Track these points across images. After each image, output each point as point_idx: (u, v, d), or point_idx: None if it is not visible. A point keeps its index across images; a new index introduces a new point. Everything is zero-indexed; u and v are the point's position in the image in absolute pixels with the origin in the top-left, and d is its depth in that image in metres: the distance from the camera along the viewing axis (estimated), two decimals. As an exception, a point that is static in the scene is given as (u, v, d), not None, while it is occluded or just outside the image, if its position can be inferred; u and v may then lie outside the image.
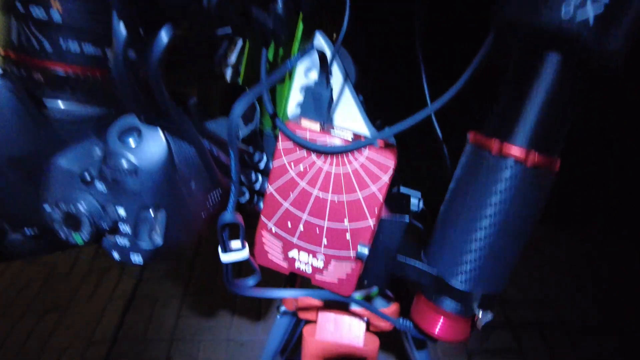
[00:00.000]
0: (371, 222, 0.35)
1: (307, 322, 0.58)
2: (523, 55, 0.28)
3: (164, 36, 0.21)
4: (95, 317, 1.40)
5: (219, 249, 0.34)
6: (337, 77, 0.47)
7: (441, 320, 0.34)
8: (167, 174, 0.27)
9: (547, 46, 0.27)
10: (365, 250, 0.35)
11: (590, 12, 0.24)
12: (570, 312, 1.54)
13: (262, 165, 0.39)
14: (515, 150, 0.28)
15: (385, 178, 0.34)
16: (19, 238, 0.28)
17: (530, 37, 0.27)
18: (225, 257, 0.34)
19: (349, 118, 0.49)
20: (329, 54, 0.37)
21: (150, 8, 0.21)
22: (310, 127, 0.35)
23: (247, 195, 0.38)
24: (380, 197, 0.34)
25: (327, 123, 0.37)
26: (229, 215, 0.31)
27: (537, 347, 1.37)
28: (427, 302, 0.34)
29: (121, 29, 0.20)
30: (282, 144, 0.35)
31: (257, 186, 0.39)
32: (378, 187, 0.34)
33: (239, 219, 0.31)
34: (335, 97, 0.46)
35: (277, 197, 0.37)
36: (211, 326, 1.38)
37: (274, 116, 0.35)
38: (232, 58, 0.47)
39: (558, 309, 1.54)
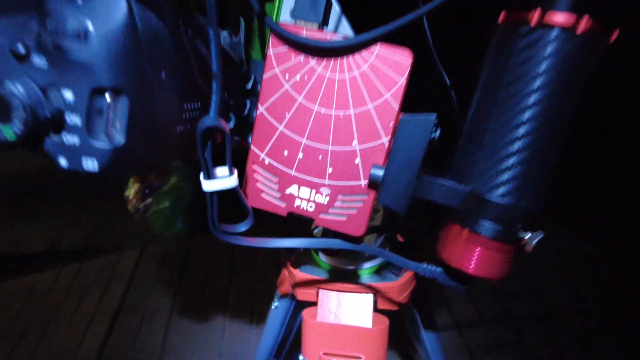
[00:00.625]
0: (385, 139, 0.29)
1: (307, 306, 0.50)
2: None
3: None
4: (78, 335, 1.30)
5: (201, 175, 0.27)
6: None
7: (478, 250, 0.27)
8: (128, 44, 0.20)
9: None
10: (379, 172, 0.28)
11: None
12: (570, 304, 1.49)
13: (249, 85, 0.33)
14: (561, 17, 0.23)
15: (402, 81, 0.28)
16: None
17: None
18: (209, 185, 0.27)
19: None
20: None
21: None
22: (305, 27, 0.30)
23: (232, 122, 0.32)
24: (396, 106, 0.28)
25: (324, 26, 0.31)
26: (211, 118, 0.24)
27: (540, 341, 1.31)
28: (460, 231, 0.28)
29: None
30: (273, 49, 0.29)
31: (245, 112, 0.33)
32: (392, 93, 0.28)
33: (224, 125, 0.25)
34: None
35: (270, 118, 0.31)
36: (202, 340, 1.28)
37: (261, 14, 0.29)
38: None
39: (558, 301, 1.49)
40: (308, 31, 0.29)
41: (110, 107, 0.21)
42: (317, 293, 0.47)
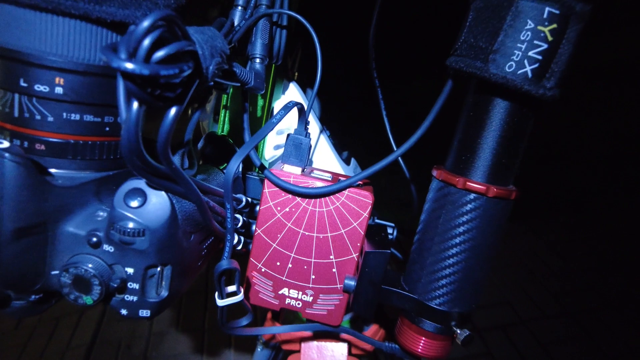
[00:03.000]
0: (354, 255, 0.39)
1: (289, 352, 0.59)
2: (476, 101, 0.33)
3: (171, 114, 0.24)
4: (51, 372, 1.30)
5: (216, 295, 0.35)
6: (312, 123, 0.51)
7: (423, 340, 0.37)
8: (172, 233, 0.28)
9: (496, 94, 0.32)
10: (352, 282, 0.38)
11: (527, 67, 0.29)
12: (529, 309, 1.63)
13: (247, 209, 0.41)
14: (477, 185, 0.33)
15: (365, 214, 0.38)
16: (22, 304, 0.28)
17: (481, 86, 0.32)
18: (222, 302, 0.36)
19: (324, 159, 0.52)
20: (305, 104, 0.41)
21: (159, 87, 0.24)
22: (292, 172, 0.38)
23: (235, 239, 0.40)
24: (362, 232, 0.38)
25: (307, 167, 0.40)
26: (226, 262, 0.33)
27: (505, 349, 1.44)
28: (410, 325, 0.38)
29: (134, 108, 0.22)
30: (268, 189, 0.38)
31: (244, 229, 0.41)
32: (359, 223, 0.38)
33: (235, 264, 0.33)
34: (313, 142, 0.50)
35: (265, 238, 0.40)
36: (181, 368, 1.33)
37: (261, 167, 0.37)
38: (208, 109, 0.50)
39: (518, 309, 1.63)
40: (295, 177, 0.38)
41: (159, 274, 0.29)
42: (300, 344, 0.56)
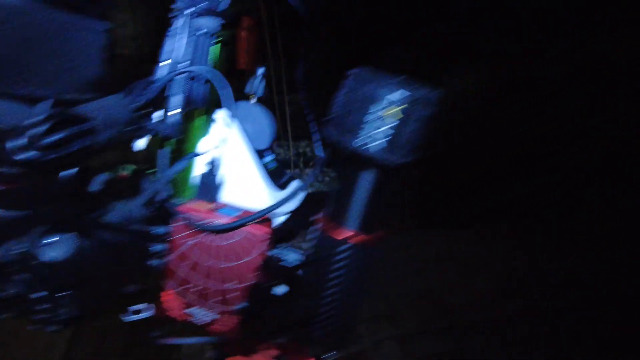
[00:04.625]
0: (250, 283, 0.45)
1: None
2: (346, 165, 0.39)
3: (65, 175, 0.30)
4: None
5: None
6: (240, 151, 0.57)
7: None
8: (78, 264, 0.35)
9: (360, 161, 0.38)
10: (244, 306, 0.45)
11: (383, 140, 0.35)
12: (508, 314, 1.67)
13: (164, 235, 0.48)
14: (350, 234, 0.39)
15: (260, 248, 0.44)
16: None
17: (348, 154, 0.38)
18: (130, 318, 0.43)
19: (252, 186, 0.59)
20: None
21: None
22: (201, 208, 0.45)
23: (154, 262, 0.47)
24: (257, 264, 0.44)
25: (218, 203, 0.47)
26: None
27: (480, 349, 1.48)
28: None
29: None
30: (177, 223, 0.45)
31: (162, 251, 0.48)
32: (254, 256, 0.44)
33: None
34: (237, 169, 0.56)
35: (176, 264, 0.46)
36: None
37: (172, 200, 0.44)
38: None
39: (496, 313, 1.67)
40: (202, 213, 0.44)
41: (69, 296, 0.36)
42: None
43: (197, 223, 0.43)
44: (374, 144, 0.35)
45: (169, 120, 0.43)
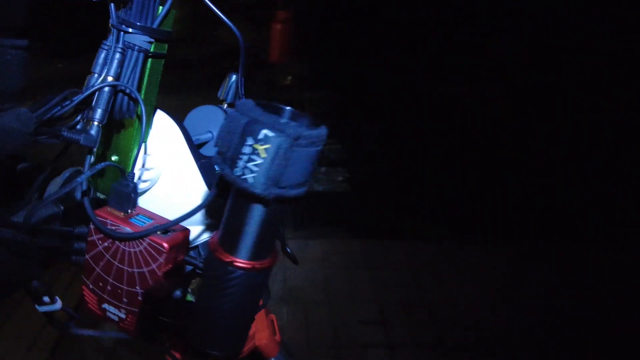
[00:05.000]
0: (152, 288, 0.48)
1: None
2: (234, 196, 0.41)
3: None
4: None
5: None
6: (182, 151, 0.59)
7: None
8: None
9: (240, 191, 0.39)
10: (143, 309, 0.47)
11: (249, 175, 0.36)
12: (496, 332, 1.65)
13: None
14: (241, 263, 0.41)
15: (161, 259, 0.46)
16: None
17: (230, 183, 0.39)
18: (41, 309, 0.46)
19: (187, 186, 0.61)
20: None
21: None
22: (112, 215, 0.48)
23: (75, 258, 0.51)
24: (158, 273, 0.47)
25: (131, 211, 0.49)
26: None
27: None
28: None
29: None
30: (92, 225, 0.48)
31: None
32: (156, 266, 0.47)
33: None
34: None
35: (92, 263, 0.49)
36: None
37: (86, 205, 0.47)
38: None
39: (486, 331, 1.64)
40: (114, 219, 0.47)
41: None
42: None
43: (105, 229, 0.46)
44: (247, 175, 0.36)
45: (89, 131, 0.45)
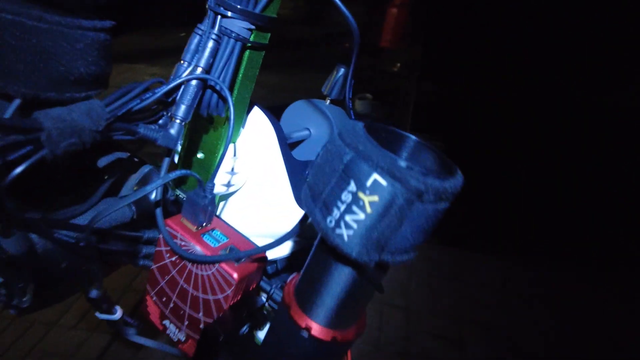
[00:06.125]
0: (209, 320, 0.41)
1: None
2: (322, 247, 0.31)
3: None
4: None
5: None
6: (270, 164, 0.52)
7: None
8: (35, 260, 0.35)
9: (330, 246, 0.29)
10: (205, 339, 0.41)
11: (343, 230, 0.26)
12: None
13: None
14: (317, 330, 0.32)
15: (228, 291, 0.39)
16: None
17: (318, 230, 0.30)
18: (100, 316, 0.42)
19: (274, 198, 0.53)
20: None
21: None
22: (184, 228, 0.41)
23: (142, 262, 0.46)
24: (224, 305, 0.40)
25: (205, 225, 0.43)
26: (95, 292, 0.39)
27: None
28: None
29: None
30: (164, 233, 0.42)
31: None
32: (223, 297, 0.40)
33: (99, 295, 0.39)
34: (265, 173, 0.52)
35: (157, 274, 0.44)
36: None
37: (157, 215, 0.41)
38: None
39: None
40: (184, 233, 0.40)
41: (22, 287, 0.36)
42: None
43: (173, 244, 0.40)
44: (342, 231, 0.26)
45: (169, 130, 0.39)
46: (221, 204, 0.54)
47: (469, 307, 2.04)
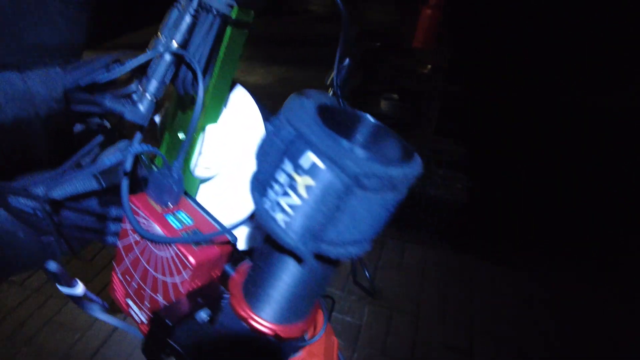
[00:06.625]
0: (165, 302, 0.40)
1: None
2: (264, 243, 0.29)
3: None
4: None
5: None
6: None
7: None
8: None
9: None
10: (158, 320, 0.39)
11: (279, 214, 0.24)
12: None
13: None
14: (261, 324, 0.30)
15: (186, 275, 0.38)
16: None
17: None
18: (64, 290, 0.42)
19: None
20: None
21: None
22: (152, 206, 0.40)
23: (110, 240, 0.45)
24: (181, 289, 0.38)
25: (171, 206, 0.41)
26: (52, 264, 0.38)
27: None
28: None
29: None
30: (132, 211, 0.41)
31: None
32: (180, 280, 0.38)
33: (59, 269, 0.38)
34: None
35: (122, 253, 0.43)
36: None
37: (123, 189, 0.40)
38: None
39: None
40: (149, 213, 0.39)
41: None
42: None
43: (133, 221, 0.39)
44: (278, 215, 0.24)
45: (137, 105, 0.38)
46: (201, 186, 0.53)
47: (481, 317, 1.98)
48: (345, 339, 1.77)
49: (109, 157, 0.38)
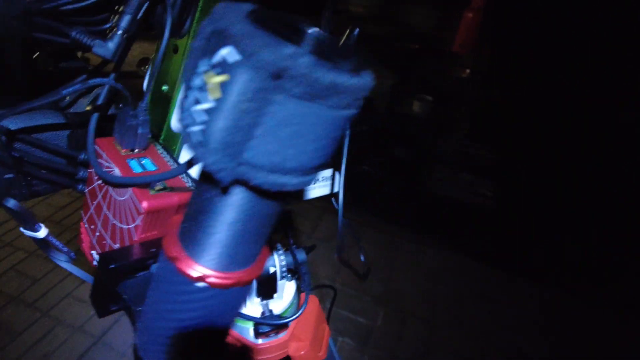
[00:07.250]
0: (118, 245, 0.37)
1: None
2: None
3: None
4: None
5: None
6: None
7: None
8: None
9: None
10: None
11: (196, 126, 0.21)
12: None
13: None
14: (200, 272, 0.26)
15: (138, 221, 0.35)
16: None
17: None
18: (25, 232, 0.40)
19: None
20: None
21: None
22: (116, 149, 0.38)
23: (80, 187, 0.44)
24: (134, 236, 0.36)
25: (138, 151, 0.39)
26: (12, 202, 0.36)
27: None
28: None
29: None
30: (97, 159, 0.39)
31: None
32: (133, 226, 0.36)
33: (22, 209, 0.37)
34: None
35: (88, 199, 0.41)
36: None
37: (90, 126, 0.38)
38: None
39: None
40: (110, 155, 0.37)
41: None
42: None
43: (93, 161, 0.37)
44: (192, 127, 0.21)
45: (107, 40, 0.36)
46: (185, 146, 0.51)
47: (498, 329, 1.87)
48: (355, 340, 1.71)
49: (67, 87, 0.37)
